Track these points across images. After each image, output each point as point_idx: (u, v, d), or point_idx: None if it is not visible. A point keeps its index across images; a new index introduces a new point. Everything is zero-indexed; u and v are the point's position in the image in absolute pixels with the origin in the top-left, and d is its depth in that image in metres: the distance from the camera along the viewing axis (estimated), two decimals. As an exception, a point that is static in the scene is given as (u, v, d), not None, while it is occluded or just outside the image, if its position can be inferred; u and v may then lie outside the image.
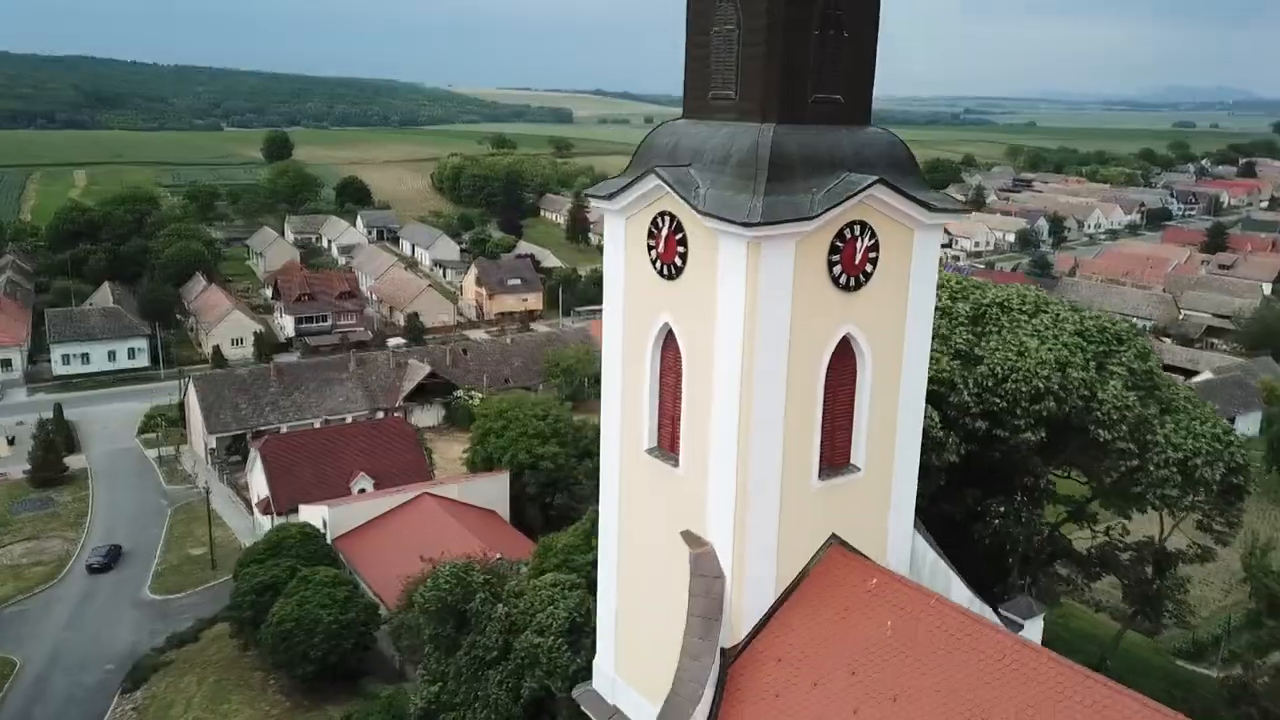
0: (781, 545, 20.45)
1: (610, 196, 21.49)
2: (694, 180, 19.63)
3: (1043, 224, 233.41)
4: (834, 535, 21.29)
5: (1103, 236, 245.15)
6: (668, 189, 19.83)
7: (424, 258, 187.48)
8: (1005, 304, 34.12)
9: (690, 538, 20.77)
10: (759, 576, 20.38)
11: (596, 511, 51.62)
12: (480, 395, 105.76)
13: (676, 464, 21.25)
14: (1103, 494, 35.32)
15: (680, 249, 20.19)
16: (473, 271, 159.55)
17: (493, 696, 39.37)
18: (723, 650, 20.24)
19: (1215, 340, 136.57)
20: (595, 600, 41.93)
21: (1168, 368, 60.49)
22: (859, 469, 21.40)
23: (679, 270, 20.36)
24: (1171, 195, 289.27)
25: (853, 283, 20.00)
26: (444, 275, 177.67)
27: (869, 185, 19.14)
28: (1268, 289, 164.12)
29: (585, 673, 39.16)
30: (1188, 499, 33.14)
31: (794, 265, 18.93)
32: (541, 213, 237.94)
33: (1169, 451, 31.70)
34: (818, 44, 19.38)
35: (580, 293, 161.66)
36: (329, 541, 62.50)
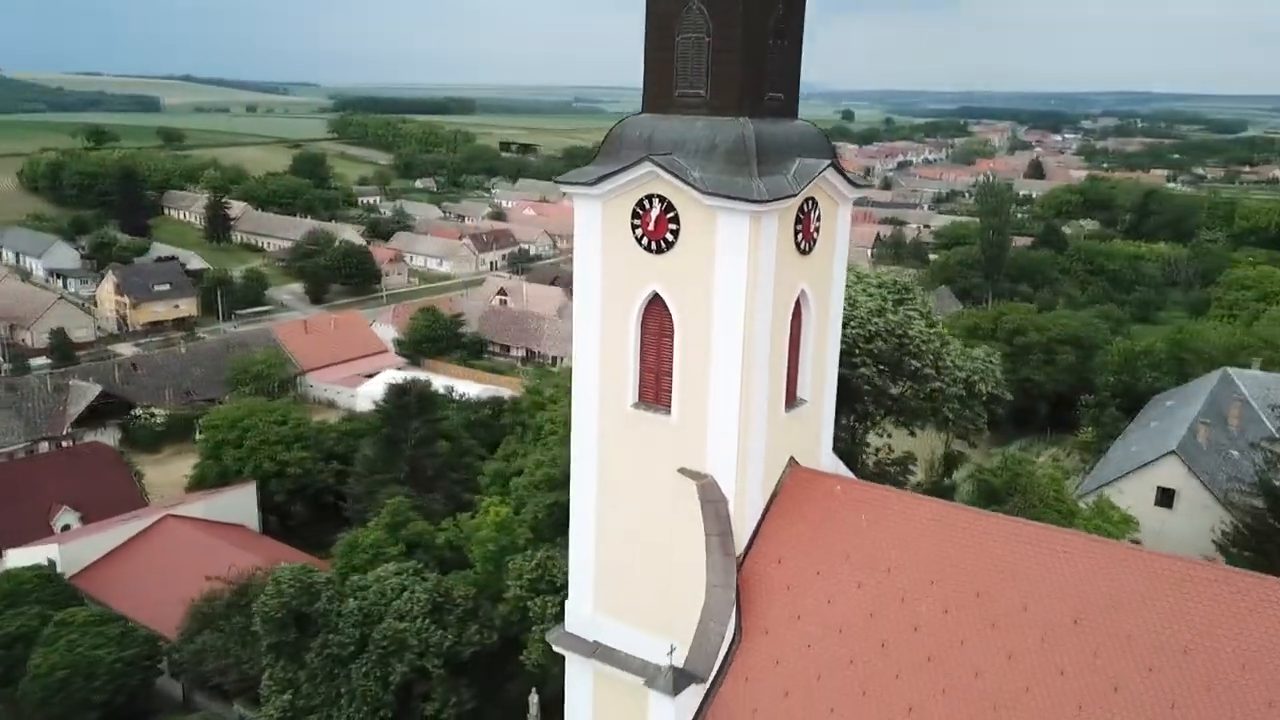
0: (765, 469, 24.93)
1: (594, 183, 24.48)
2: (684, 166, 23.35)
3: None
4: (792, 458, 26.11)
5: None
6: (663, 174, 23.36)
7: (36, 267, 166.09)
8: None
9: (689, 473, 24.57)
10: (752, 497, 24.71)
11: (400, 505, 52.53)
12: (163, 412, 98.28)
13: (669, 412, 24.87)
14: (902, 414, 43.58)
15: (672, 226, 23.81)
16: (110, 279, 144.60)
17: (359, 688, 39.83)
18: (727, 563, 24.32)
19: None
20: (450, 581, 43.72)
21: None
22: (807, 400, 26.40)
23: (669, 245, 23.97)
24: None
25: (807, 247, 24.84)
26: (65, 285, 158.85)
27: (826, 168, 24.07)
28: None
29: (458, 647, 41.02)
30: (966, 411, 42.40)
31: (777, 235, 23.37)
32: (167, 211, 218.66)
33: (957, 373, 40.58)
34: (770, 51, 23.89)
35: (239, 294, 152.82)
36: (66, 581, 56.73)
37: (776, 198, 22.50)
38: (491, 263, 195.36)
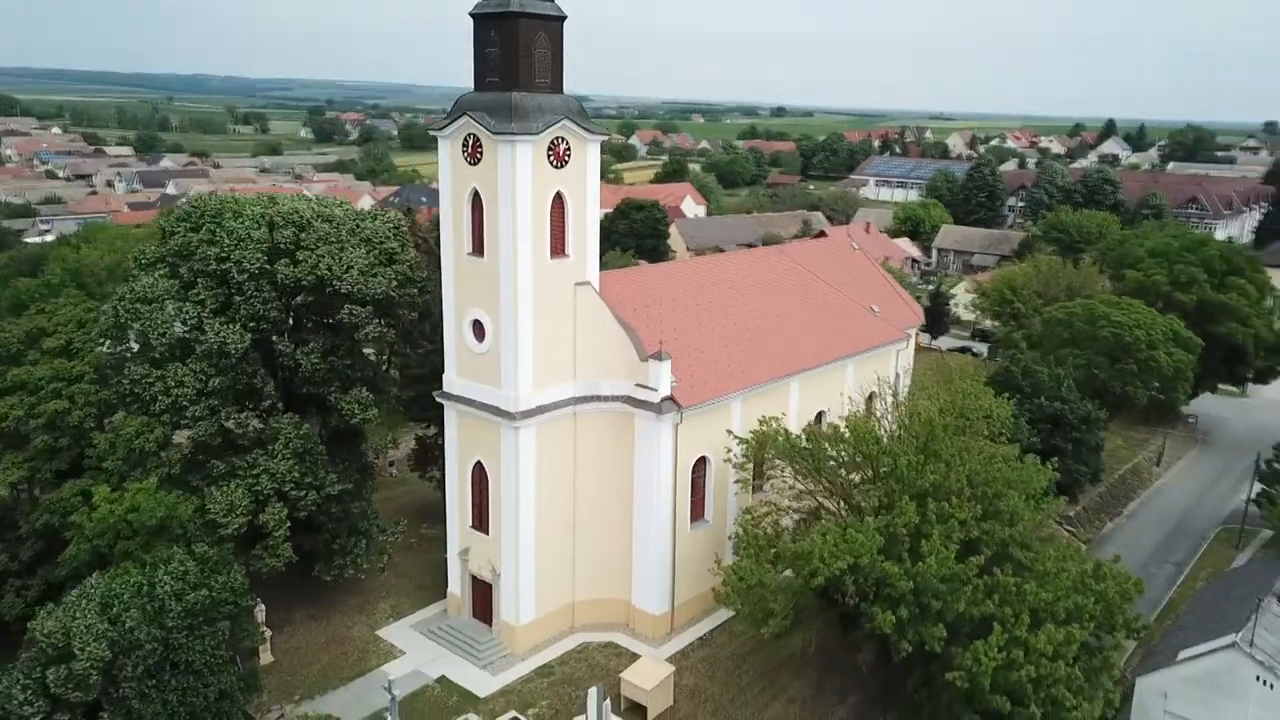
0: (594, 278, 50.05)
1: (538, 133, 44.48)
2: (576, 121, 46.43)
3: None
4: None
5: None
6: (569, 125, 45.90)
7: None
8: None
9: (580, 283, 48.32)
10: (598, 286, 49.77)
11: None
12: None
13: (568, 257, 47.58)
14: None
15: (568, 154, 46.49)
16: None
17: (197, 662, 42.20)
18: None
19: None
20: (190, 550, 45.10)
21: None
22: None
23: (566, 163, 46.51)
24: None
25: (585, 163, 49.86)
26: None
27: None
28: None
29: (247, 576, 45.38)
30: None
31: (598, 153, 48.80)
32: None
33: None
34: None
35: None
36: None
37: (607, 134, 48.48)
38: None
